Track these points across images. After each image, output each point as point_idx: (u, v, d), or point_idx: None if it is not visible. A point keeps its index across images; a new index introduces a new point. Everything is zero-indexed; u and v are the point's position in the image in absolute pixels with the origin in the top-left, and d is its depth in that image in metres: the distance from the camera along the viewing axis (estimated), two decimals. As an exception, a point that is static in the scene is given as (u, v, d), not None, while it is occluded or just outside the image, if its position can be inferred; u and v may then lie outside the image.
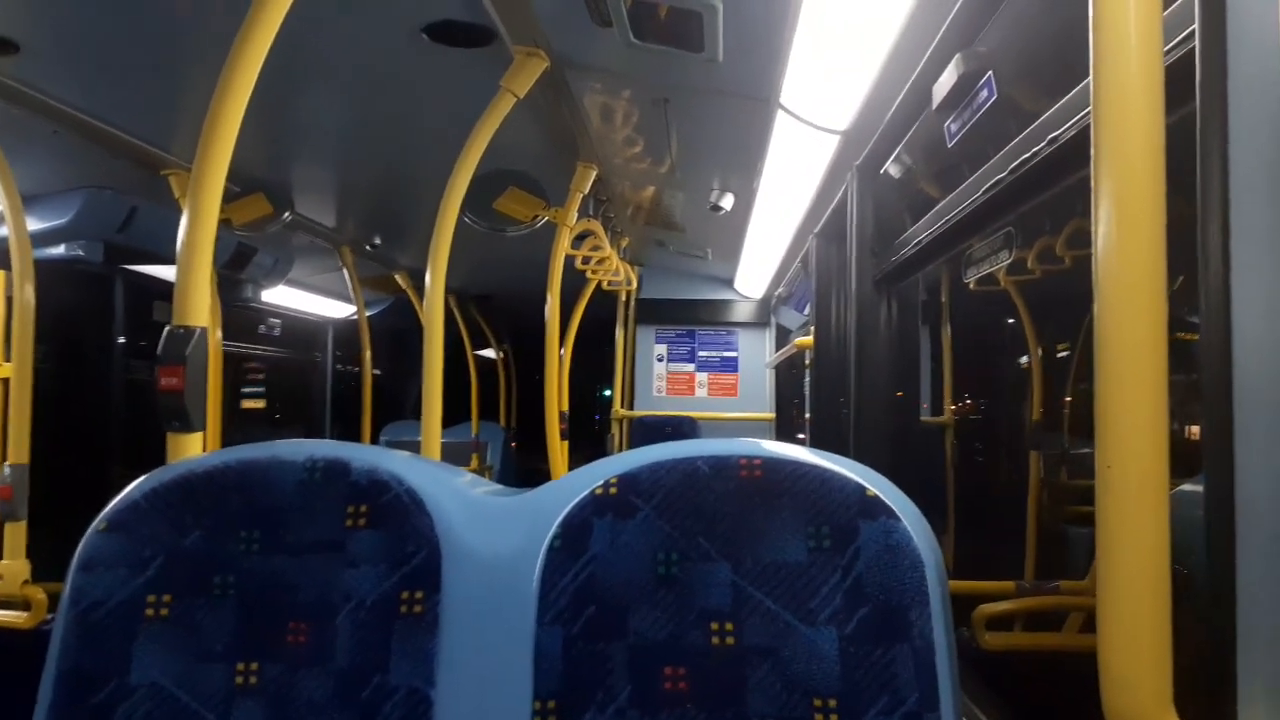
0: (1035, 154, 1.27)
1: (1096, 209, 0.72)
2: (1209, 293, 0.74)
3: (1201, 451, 0.74)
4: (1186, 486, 1.10)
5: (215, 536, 0.84)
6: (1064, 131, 1.18)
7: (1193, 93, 0.77)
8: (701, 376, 6.00)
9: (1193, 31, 0.79)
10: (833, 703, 0.74)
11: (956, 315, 4.34)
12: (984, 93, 1.57)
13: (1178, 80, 0.78)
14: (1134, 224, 0.70)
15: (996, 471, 5.06)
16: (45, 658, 0.82)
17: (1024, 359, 4.30)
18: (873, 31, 1.79)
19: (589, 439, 7.99)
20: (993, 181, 1.46)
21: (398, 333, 6.66)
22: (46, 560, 2.33)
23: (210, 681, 0.80)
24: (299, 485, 0.84)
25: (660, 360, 6.02)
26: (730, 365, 6.00)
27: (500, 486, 0.92)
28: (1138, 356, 0.70)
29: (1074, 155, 1.19)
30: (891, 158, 2.29)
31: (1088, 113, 1.13)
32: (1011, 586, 2.15)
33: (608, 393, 6.42)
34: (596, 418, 9.33)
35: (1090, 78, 0.74)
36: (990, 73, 1.53)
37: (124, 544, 0.84)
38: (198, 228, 1.33)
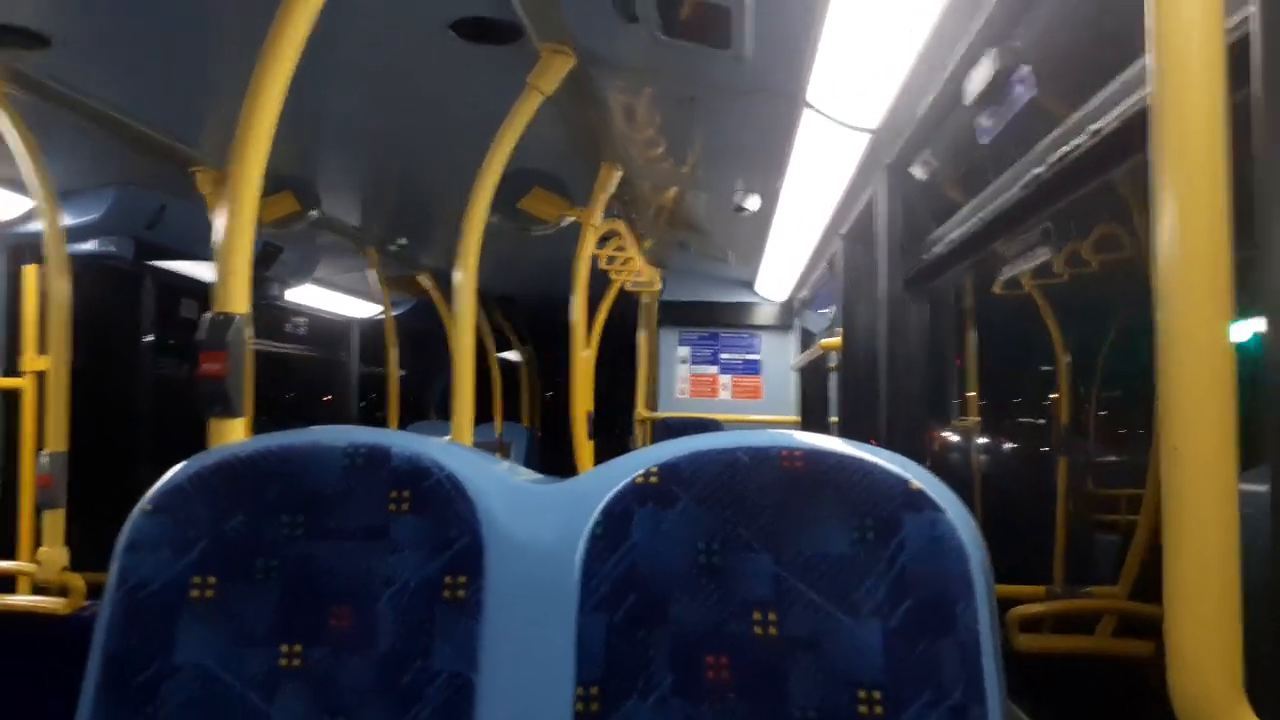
0: (1076, 146, 1.25)
1: (1157, 193, 0.70)
2: (1270, 283, 0.72)
3: (1265, 441, 0.73)
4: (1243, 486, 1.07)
5: (258, 521, 0.84)
6: (1107, 123, 1.16)
7: (1248, 75, 0.75)
8: (725, 379, 5.98)
9: (1249, 15, 0.77)
10: (877, 694, 0.73)
11: (980, 320, 4.31)
12: (1019, 88, 1.54)
13: (1237, 62, 0.76)
14: (1197, 209, 0.68)
15: (1023, 477, 5.02)
16: (82, 643, 0.82)
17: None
18: (904, 26, 1.77)
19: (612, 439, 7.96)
20: (1030, 176, 1.44)
21: (419, 334, 6.69)
22: (76, 549, 2.35)
23: (254, 663, 0.80)
24: (341, 471, 0.85)
25: (684, 363, 6.00)
26: (753, 368, 5.98)
27: (539, 475, 0.92)
28: (1204, 342, 0.67)
29: (1117, 147, 1.17)
30: (922, 157, 2.27)
31: (1132, 103, 1.11)
32: (1042, 590, 2.14)
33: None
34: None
35: (1148, 59, 0.72)
36: (1027, 68, 1.50)
37: (169, 526, 0.84)
38: (238, 217, 1.35)
